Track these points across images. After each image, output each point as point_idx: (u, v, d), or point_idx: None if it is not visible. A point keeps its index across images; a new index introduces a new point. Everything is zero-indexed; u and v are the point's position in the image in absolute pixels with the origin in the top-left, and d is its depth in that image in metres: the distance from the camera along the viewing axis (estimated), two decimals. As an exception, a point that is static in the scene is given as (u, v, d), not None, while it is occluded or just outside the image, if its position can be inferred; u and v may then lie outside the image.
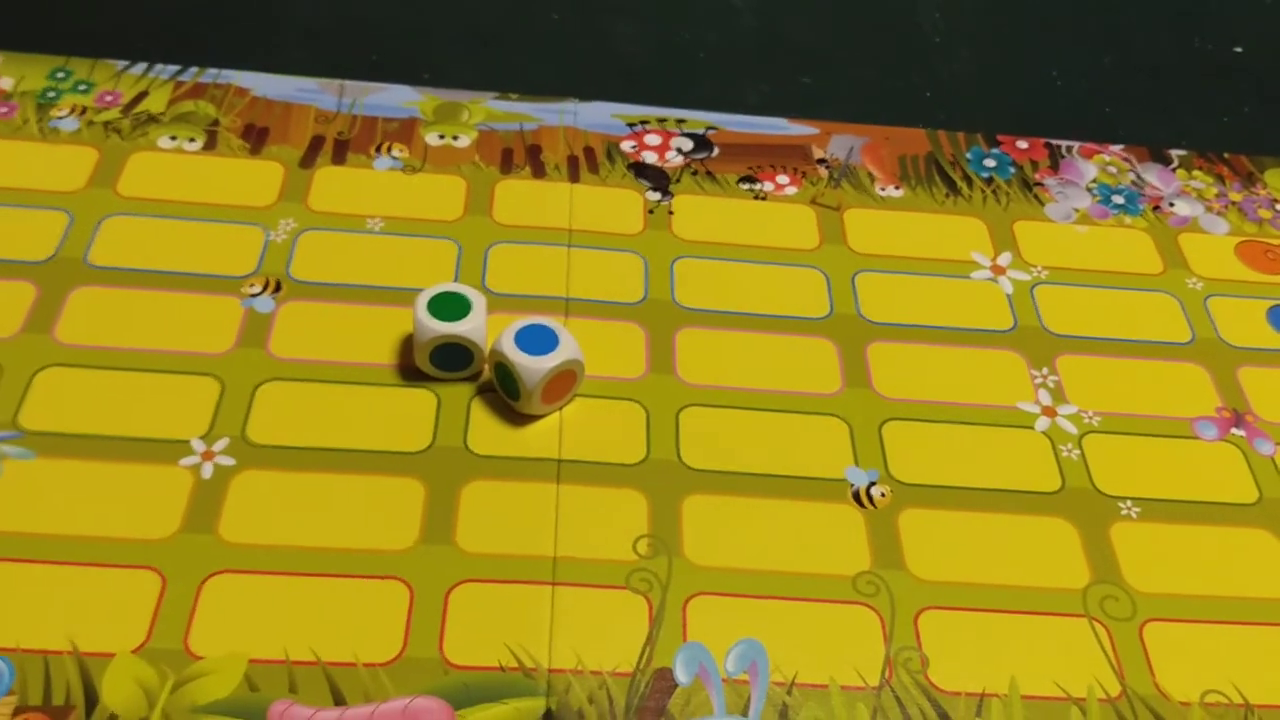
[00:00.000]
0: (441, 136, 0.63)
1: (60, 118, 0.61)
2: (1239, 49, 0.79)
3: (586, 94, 0.67)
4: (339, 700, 0.41)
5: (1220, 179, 0.67)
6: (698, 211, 0.61)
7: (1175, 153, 0.68)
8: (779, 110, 0.68)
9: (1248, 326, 0.59)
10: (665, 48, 0.73)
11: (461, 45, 0.71)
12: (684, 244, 0.59)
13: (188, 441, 0.47)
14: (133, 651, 0.41)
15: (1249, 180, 0.67)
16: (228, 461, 0.47)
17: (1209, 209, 0.65)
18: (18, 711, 0.39)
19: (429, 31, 0.72)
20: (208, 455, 0.47)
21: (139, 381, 0.49)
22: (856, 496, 0.49)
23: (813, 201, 0.62)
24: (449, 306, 0.50)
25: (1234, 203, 0.66)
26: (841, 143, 0.66)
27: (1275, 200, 0.66)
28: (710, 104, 0.67)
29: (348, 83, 0.65)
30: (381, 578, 0.44)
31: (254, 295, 0.53)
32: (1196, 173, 0.67)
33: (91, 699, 0.40)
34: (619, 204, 0.60)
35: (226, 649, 0.42)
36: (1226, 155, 0.69)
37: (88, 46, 0.66)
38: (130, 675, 0.41)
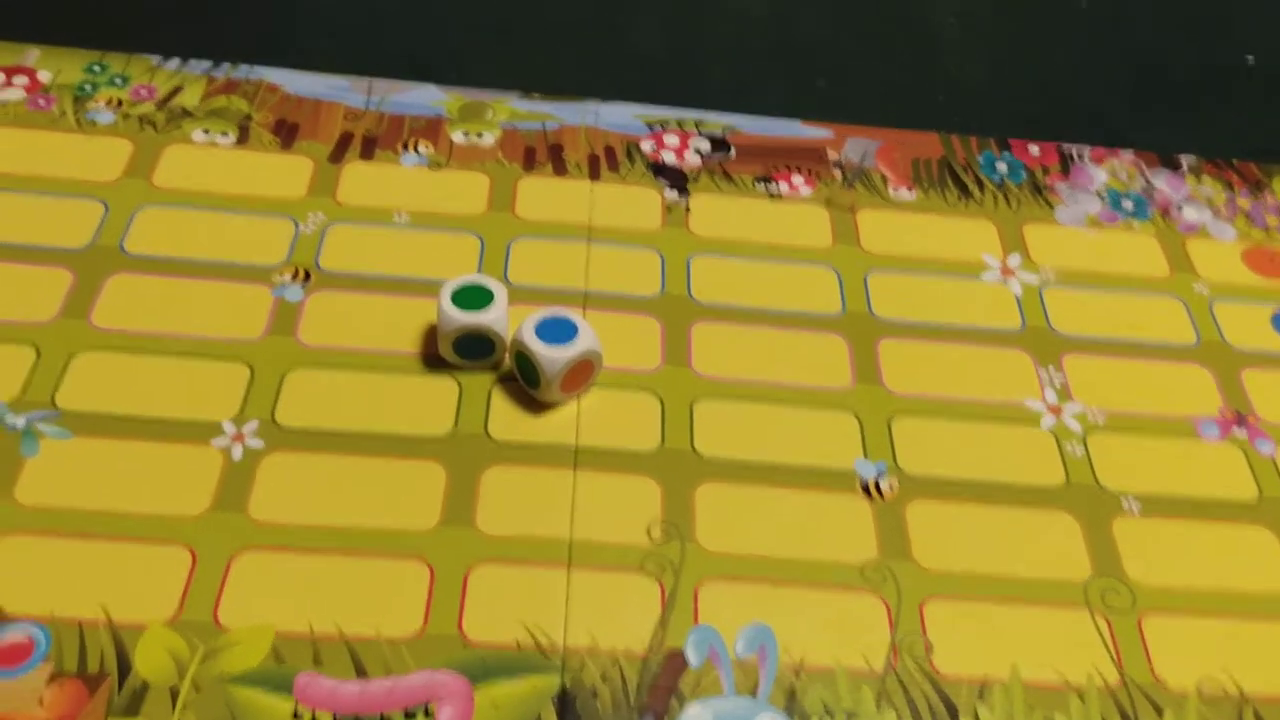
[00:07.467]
0: (466, 134, 0.64)
1: (96, 110, 0.63)
2: (1251, 57, 0.80)
3: (606, 93, 0.68)
4: (361, 672, 0.42)
5: (1229, 186, 0.68)
6: (714, 211, 0.62)
7: (1185, 159, 0.69)
8: (795, 112, 0.69)
9: (1253, 331, 0.59)
10: (684, 49, 0.75)
11: (483, 42, 0.73)
12: (700, 241, 0.60)
13: (219, 424, 0.49)
14: (164, 623, 0.43)
15: (1257, 187, 0.68)
16: (257, 444, 0.48)
17: (1217, 215, 0.66)
18: (54, 677, 0.41)
19: (451, 29, 0.73)
20: (238, 437, 0.49)
21: (172, 365, 0.51)
22: (865, 488, 0.50)
23: (827, 202, 0.63)
24: (472, 298, 0.51)
25: (1242, 209, 0.67)
26: (856, 146, 0.67)
27: (1283, 207, 0.67)
28: (727, 105, 0.69)
29: (376, 81, 0.67)
30: (404, 557, 0.46)
31: (284, 285, 0.55)
32: (1206, 179, 0.68)
33: (124, 667, 0.41)
34: (638, 202, 0.62)
35: (254, 622, 0.43)
36: (1236, 162, 0.70)
37: (122, 42, 0.67)
38: (162, 645, 0.42)
